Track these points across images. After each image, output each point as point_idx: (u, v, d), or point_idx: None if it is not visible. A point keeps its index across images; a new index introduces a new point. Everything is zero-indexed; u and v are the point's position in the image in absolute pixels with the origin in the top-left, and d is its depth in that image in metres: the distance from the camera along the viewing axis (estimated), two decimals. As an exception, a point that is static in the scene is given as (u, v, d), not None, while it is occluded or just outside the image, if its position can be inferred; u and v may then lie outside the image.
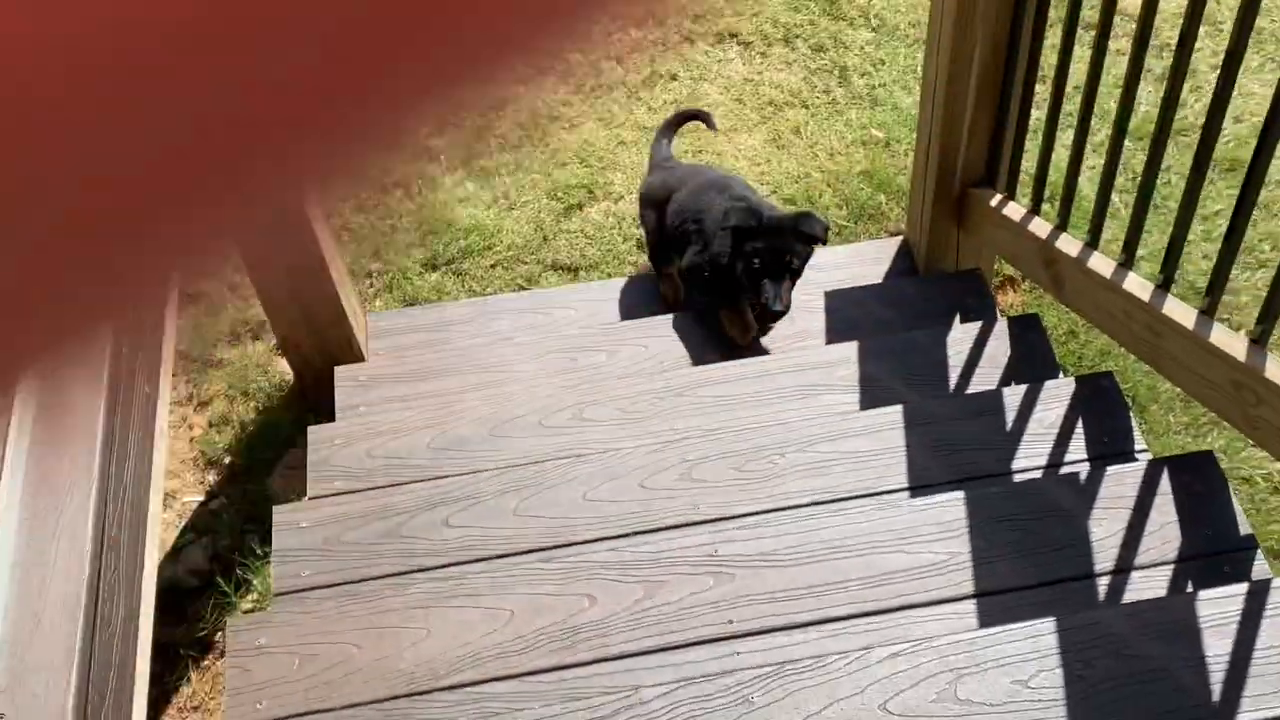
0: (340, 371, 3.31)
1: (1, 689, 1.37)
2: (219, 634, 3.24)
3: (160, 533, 1.84)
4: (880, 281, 3.52)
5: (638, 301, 3.58)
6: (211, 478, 3.55)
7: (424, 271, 3.94)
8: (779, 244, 3.03)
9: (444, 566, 2.41)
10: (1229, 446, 3.35)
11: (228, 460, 3.57)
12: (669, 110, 4.33)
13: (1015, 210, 3.10)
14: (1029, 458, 2.52)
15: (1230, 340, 2.17)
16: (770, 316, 3.12)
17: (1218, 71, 2.15)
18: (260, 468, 3.52)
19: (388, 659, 2.12)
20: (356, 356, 3.44)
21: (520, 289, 3.87)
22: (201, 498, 3.51)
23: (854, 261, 3.64)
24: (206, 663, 3.20)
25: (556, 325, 3.50)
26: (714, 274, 3.21)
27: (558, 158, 4.21)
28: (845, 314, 3.32)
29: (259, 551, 3.29)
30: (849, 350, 3.03)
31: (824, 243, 3.14)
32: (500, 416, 2.96)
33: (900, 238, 3.72)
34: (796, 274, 3.10)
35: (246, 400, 3.67)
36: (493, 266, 3.95)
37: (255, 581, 3.23)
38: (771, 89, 4.38)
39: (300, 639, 2.15)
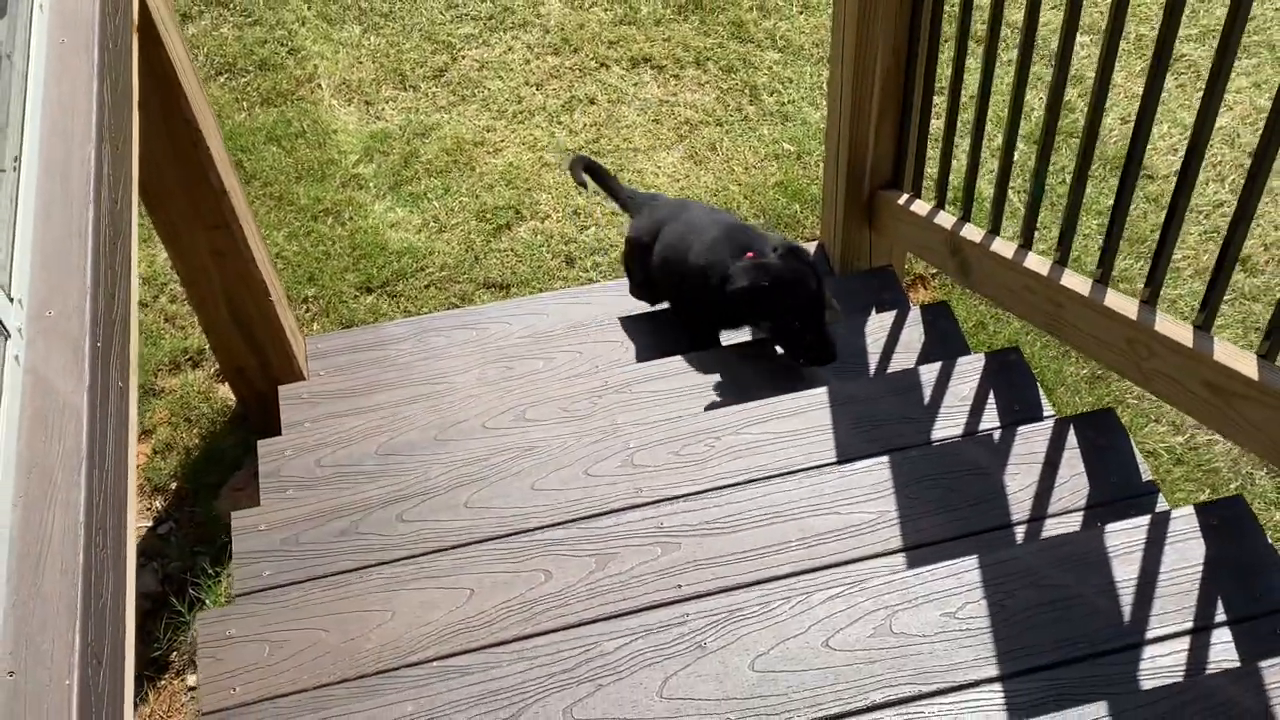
0: (284, 390, 3.39)
1: (10, 650, 1.47)
2: (174, 653, 3.30)
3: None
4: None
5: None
6: (159, 503, 3.61)
7: (359, 295, 4.04)
8: (806, 293, 2.89)
9: (401, 560, 2.51)
10: (1132, 423, 3.57)
11: (174, 485, 3.63)
12: (590, 132, 4.50)
13: (921, 207, 3.29)
14: (946, 428, 2.70)
15: (1123, 302, 2.37)
16: (820, 364, 2.98)
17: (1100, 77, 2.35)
18: (206, 491, 3.58)
19: (355, 641, 2.22)
20: (298, 377, 3.54)
21: (454, 307, 3.99)
22: (150, 523, 3.56)
23: (773, 267, 3.81)
24: (163, 682, 3.25)
25: (492, 338, 3.61)
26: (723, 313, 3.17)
27: (484, 181, 4.34)
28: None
29: (210, 571, 3.36)
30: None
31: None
32: (444, 422, 3.07)
33: (816, 242, 3.90)
34: (828, 322, 2.98)
35: (189, 426, 3.74)
36: (426, 287, 4.06)
37: (208, 600, 3.29)
38: (686, 109, 4.57)
39: (268, 627, 2.25)
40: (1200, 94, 4.45)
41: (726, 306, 3.00)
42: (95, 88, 2.00)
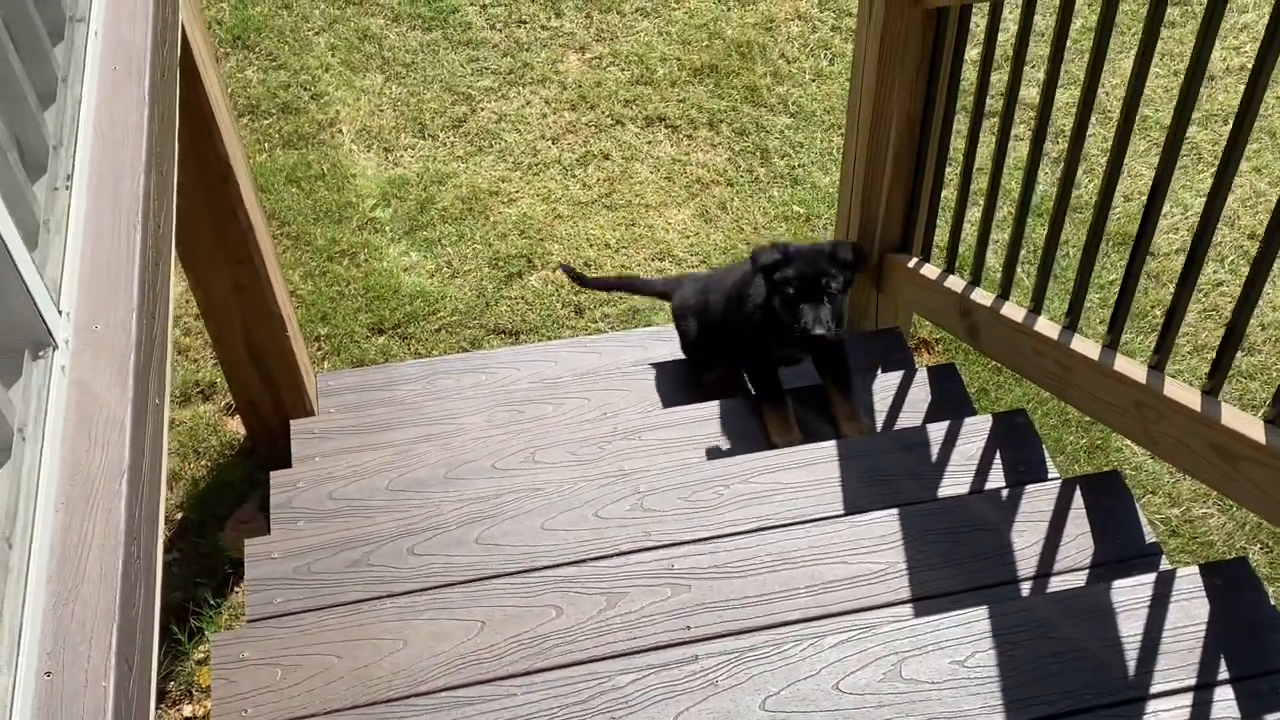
0: (296, 425, 3.43)
1: (49, 651, 1.50)
2: (170, 683, 3.30)
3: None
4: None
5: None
6: (164, 533, 3.62)
7: (371, 335, 4.09)
8: (812, 268, 2.96)
9: (411, 593, 2.54)
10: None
11: (179, 516, 3.66)
12: (603, 187, 4.59)
13: (931, 270, 3.36)
14: (953, 485, 2.74)
15: (1132, 367, 2.43)
16: (811, 341, 2.98)
17: (1108, 155, 2.44)
18: (212, 523, 3.61)
19: (366, 668, 2.24)
20: (308, 413, 3.57)
21: (464, 351, 4.04)
22: (152, 552, 3.57)
23: (781, 325, 3.87)
24: (159, 712, 3.26)
25: (501, 383, 3.66)
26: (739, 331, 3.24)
27: (498, 229, 4.42)
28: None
29: (212, 602, 3.38)
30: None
31: (860, 268, 3.08)
32: (454, 460, 3.11)
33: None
34: (835, 299, 3.00)
35: (197, 458, 3.77)
36: (437, 330, 4.12)
37: (208, 631, 3.31)
38: (698, 168, 4.66)
39: (282, 651, 2.27)
40: (1202, 174, 4.55)
41: (762, 314, 3.13)
42: (145, 114, 2.07)
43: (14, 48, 1.84)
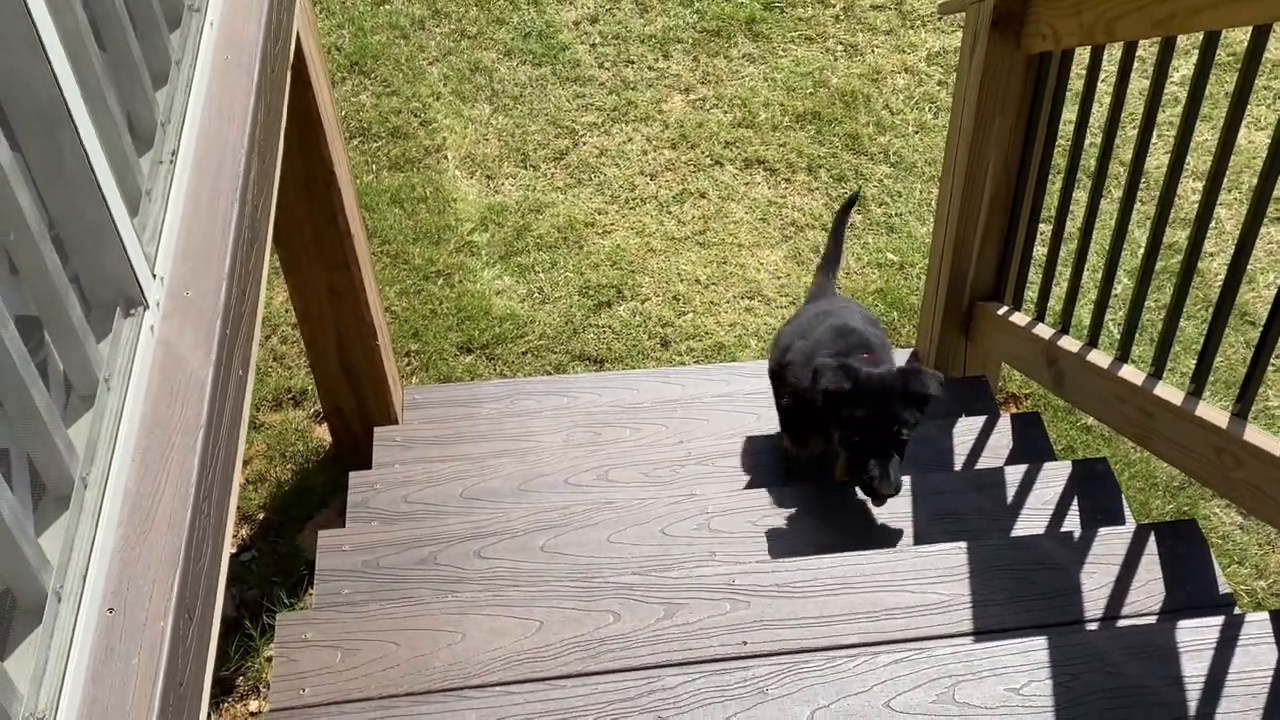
0: (379, 432, 3.51)
1: (114, 589, 1.56)
2: (240, 678, 3.37)
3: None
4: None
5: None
6: (245, 531, 3.72)
7: (459, 354, 4.17)
8: (883, 411, 2.54)
9: (473, 590, 2.57)
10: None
11: (261, 516, 3.74)
12: (698, 224, 4.63)
13: (1020, 319, 3.33)
14: (1025, 526, 2.70)
15: (1213, 413, 2.39)
16: (877, 498, 2.64)
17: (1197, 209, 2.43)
18: (292, 525, 3.69)
19: (424, 657, 2.27)
20: (393, 424, 3.65)
21: (548, 375, 4.09)
22: (233, 549, 3.67)
23: (866, 369, 3.85)
24: (227, 705, 3.32)
25: (581, 406, 3.70)
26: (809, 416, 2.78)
27: (591, 260, 4.48)
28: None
29: (286, 601, 3.44)
30: (860, 434, 3.23)
31: (934, 400, 2.62)
32: (528, 474, 3.15)
33: (912, 350, 3.95)
34: (904, 444, 2.59)
35: (284, 461, 3.86)
36: (524, 353, 4.18)
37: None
38: (794, 211, 4.68)
39: (344, 634, 2.31)
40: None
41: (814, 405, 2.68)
42: (251, 103, 2.16)
43: (133, 30, 1.95)
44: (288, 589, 3.49)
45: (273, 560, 3.62)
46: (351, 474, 3.14)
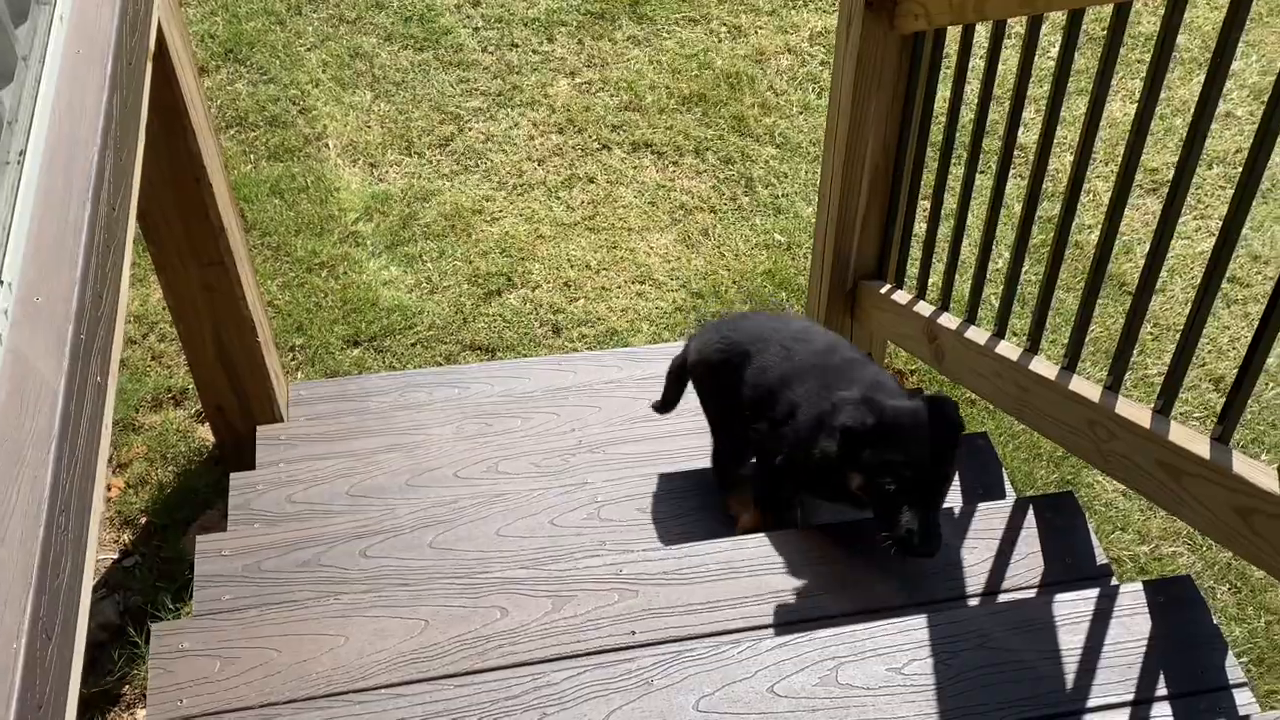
0: (262, 430, 3.43)
1: (-39, 613, 1.49)
2: (125, 686, 3.28)
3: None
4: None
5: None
6: (127, 536, 3.61)
7: (346, 347, 4.09)
8: (926, 453, 2.18)
9: (356, 591, 2.53)
10: (1099, 529, 3.61)
11: (143, 520, 3.64)
12: (587, 209, 4.60)
13: (902, 296, 3.37)
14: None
15: (1086, 387, 2.43)
16: (915, 554, 2.20)
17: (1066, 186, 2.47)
18: (176, 528, 3.59)
19: (306, 663, 2.22)
20: (277, 421, 3.57)
21: (439, 365, 4.04)
22: (116, 555, 3.57)
23: (756, 350, 3.86)
24: (112, 715, 3.23)
25: (473, 397, 3.66)
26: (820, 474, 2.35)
27: (479, 248, 4.43)
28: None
29: (171, 606, 3.35)
30: (749, 417, 3.24)
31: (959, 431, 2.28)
32: (417, 468, 3.11)
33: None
34: (945, 491, 2.26)
35: (165, 463, 3.76)
36: (413, 345, 4.12)
37: (166, 634, 3.28)
38: (683, 194, 4.67)
39: (222, 642, 2.25)
40: (1182, 217, 4.57)
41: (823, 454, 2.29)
42: (105, 98, 2.08)
43: (-28, 26, 1.86)
44: (173, 594, 3.40)
45: (157, 565, 3.52)
46: (232, 475, 3.07)
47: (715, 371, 2.73)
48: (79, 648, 1.74)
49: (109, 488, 3.74)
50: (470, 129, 4.88)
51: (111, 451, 3.82)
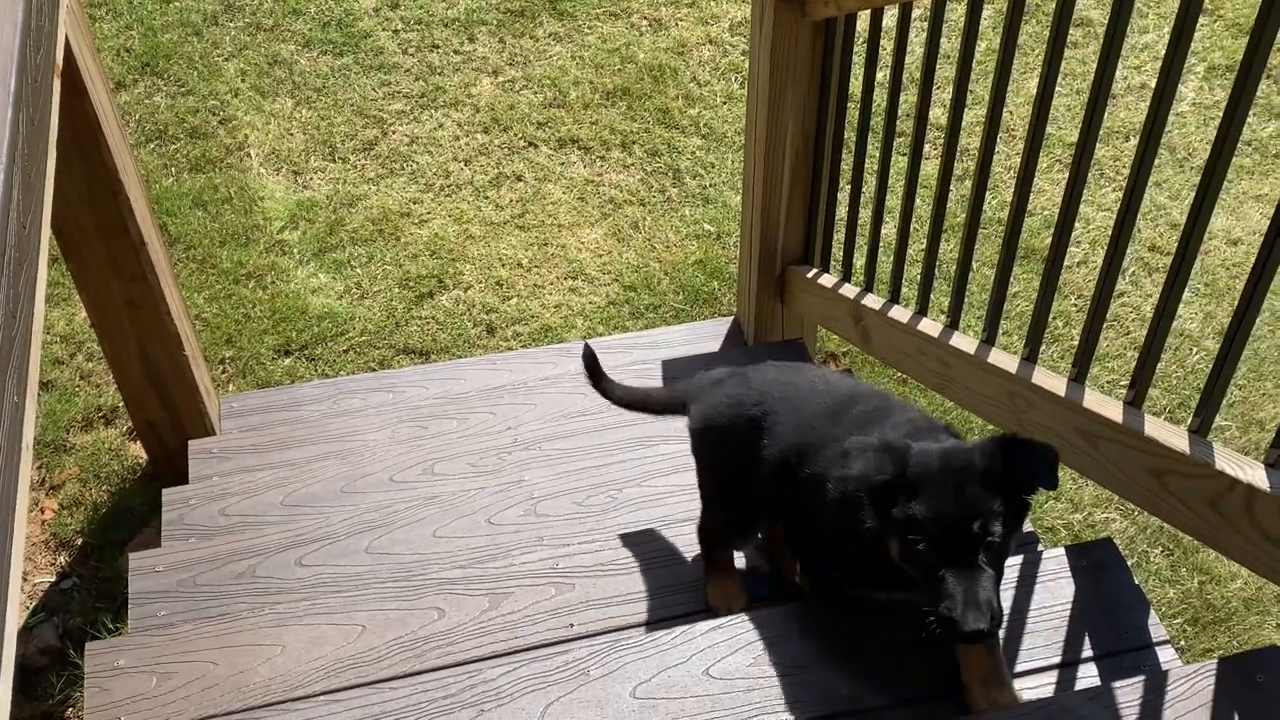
0: (194, 445, 3.40)
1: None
2: (69, 709, 3.24)
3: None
4: (713, 352, 3.78)
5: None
6: (63, 559, 3.57)
7: (277, 357, 4.07)
8: (959, 505, 1.79)
9: (292, 600, 2.52)
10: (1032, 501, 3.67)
11: (79, 541, 3.60)
12: (516, 208, 4.60)
13: (828, 280, 3.41)
14: (842, 484, 2.76)
15: (1004, 359, 2.48)
16: (962, 636, 1.79)
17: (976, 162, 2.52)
18: (112, 548, 3.55)
19: (243, 674, 2.22)
20: (210, 434, 3.54)
21: (372, 371, 4.02)
22: (53, 578, 3.52)
23: (691, 340, 3.89)
24: (56, 739, 3.20)
25: (407, 401, 3.65)
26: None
27: (409, 250, 4.42)
28: (680, 379, 3.55)
29: (111, 627, 3.32)
30: (682, 406, 3.26)
31: (1047, 484, 1.86)
32: (352, 475, 3.10)
33: (732, 318, 4.00)
34: (999, 552, 1.83)
35: (99, 483, 3.71)
36: (345, 351, 4.10)
37: (106, 655, 3.25)
38: (611, 189, 4.69)
39: (158, 658, 2.24)
40: (1104, 189, 4.64)
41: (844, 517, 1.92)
42: (9, 115, 2.05)
43: None
44: (113, 614, 3.37)
45: (95, 586, 3.48)
46: (165, 491, 3.05)
47: (723, 438, 2.31)
48: (7, 677, 1.72)
49: (42, 510, 3.70)
50: (394, 132, 4.87)
51: (43, 473, 3.77)
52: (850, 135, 3.20)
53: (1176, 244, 1.99)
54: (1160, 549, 3.60)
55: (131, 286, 3.15)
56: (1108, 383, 3.99)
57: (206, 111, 4.86)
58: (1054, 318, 4.14)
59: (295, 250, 4.40)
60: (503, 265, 4.41)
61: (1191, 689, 1.85)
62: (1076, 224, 4.40)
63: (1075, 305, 4.15)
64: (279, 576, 2.61)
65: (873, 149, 3.18)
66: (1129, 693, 1.85)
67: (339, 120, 4.88)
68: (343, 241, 4.44)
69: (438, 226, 4.51)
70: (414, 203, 4.59)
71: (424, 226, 4.52)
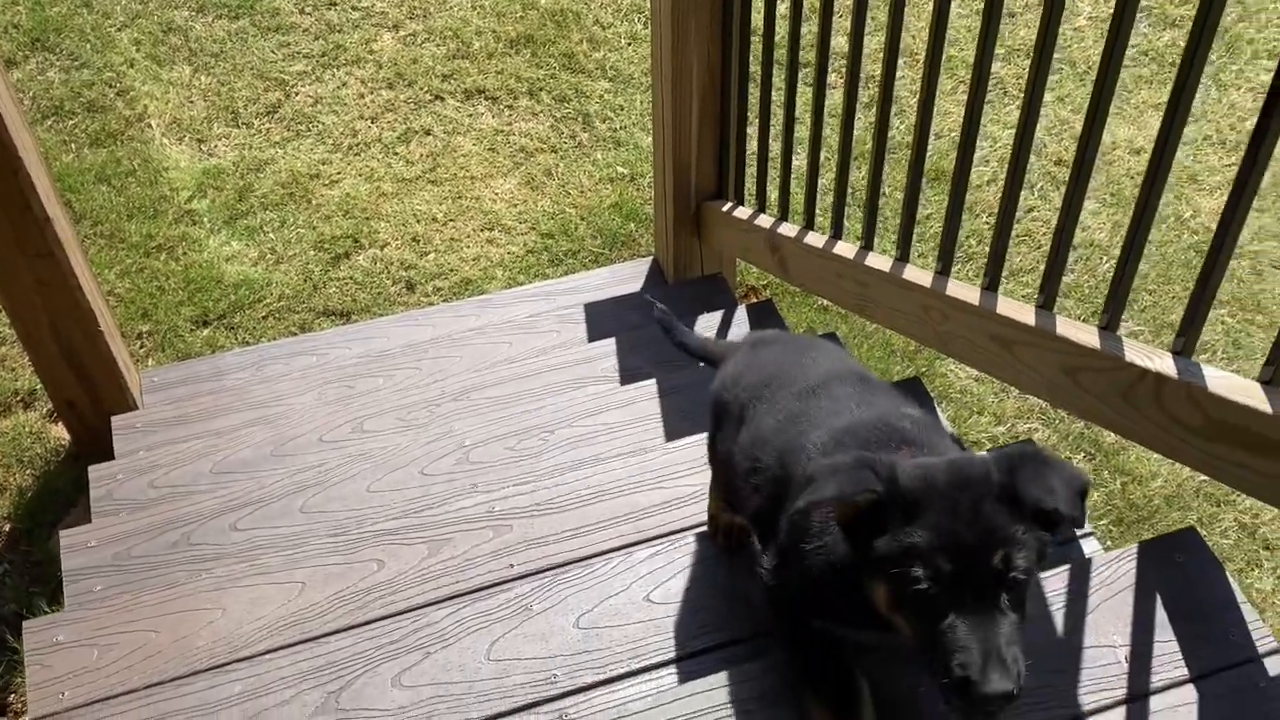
0: (118, 420, 3.36)
1: None
2: (10, 695, 3.20)
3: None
4: (633, 292, 3.80)
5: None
6: (-9, 546, 3.51)
7: (195, 328, 4.01)
8: (973, 531, 1.42)
9: (229, 564, 2.51)
10: (956, 415, 3.75)
11: (8, 527, 3.54)
12: (427, 163, 4.56)
13: (744, 212, 3.43)
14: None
15: (918, 274, 2.53)
16: (982, 705, 1.39)
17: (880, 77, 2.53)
18: (42, 530, 3.50)
19: (186, 639, 2.21)
20: (132, 410, 3.49)
21: (293, 336, 3.99)
22: (-19, 567, 3.47)
23: (612, 282, 3.91)
24: (-2, 725, 3.16)
25: (331, 362, 3.63)
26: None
27: (321, 212, 4.37)
28: (603, 321, 3.58)
29: (47, 609, 3.28)
30: (608, 346, 3.28)
31: (1078, 520, 1.45)
32: (280, 438, 3.08)
33: (652, 258, 4.02)
34: (1022, 595, 1.45)
35: (22, 467, 3.65)
36: (264, 318, 4.06)
37: (44, 638, 3.21)
38: (522, 137, 4.66)
39: (98, 631, 2.22)
40: (1008, 107, 4.70)
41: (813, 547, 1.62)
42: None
43: None
44: (48, 597, 3.33)
45: (28, 571, 3.43)
46: (91, 468, 3.02)
47: (714, 415, 2.10)
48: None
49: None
50: (297, 93, 4.79)
51: (-38, 463, 3.70)
52: (756, 69, 3.21)
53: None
54: (1083, 454, 3.70)
55: (39, 264, 3.09)
56: (1023, 296, 4.07)
57: (103, 84, 4.75)
58: (968, 236, 4.21)
59: (205, 219, 4.33)
60: (418, 221, 4.37)
61: (1115, 574, 1.92)
62: (984, 143, 4.50)
63: (988, 224, 4.22)
64: (214, 542, 2.59)
65: (779, 80, 3.20)
66: (1055, 581, 1.92)
67: (239, 85, 4.79)
68: (253, 207, 4.37)
69: (349, 186, 4.47)
70: (323, 164, 4.53)
71: (335, 187, 4.46)
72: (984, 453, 1.50)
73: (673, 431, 2.74)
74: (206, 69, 4.85)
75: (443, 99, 4.80)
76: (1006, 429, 3.79)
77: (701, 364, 2.52)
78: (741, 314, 3.34)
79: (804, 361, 2.00)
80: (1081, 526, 1.49)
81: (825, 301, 4.06)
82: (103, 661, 2.18)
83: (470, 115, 4.74)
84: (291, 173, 4.48)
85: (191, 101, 4.73)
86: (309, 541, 2.45)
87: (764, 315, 3.34)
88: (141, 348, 3.97)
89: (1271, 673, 1.81)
